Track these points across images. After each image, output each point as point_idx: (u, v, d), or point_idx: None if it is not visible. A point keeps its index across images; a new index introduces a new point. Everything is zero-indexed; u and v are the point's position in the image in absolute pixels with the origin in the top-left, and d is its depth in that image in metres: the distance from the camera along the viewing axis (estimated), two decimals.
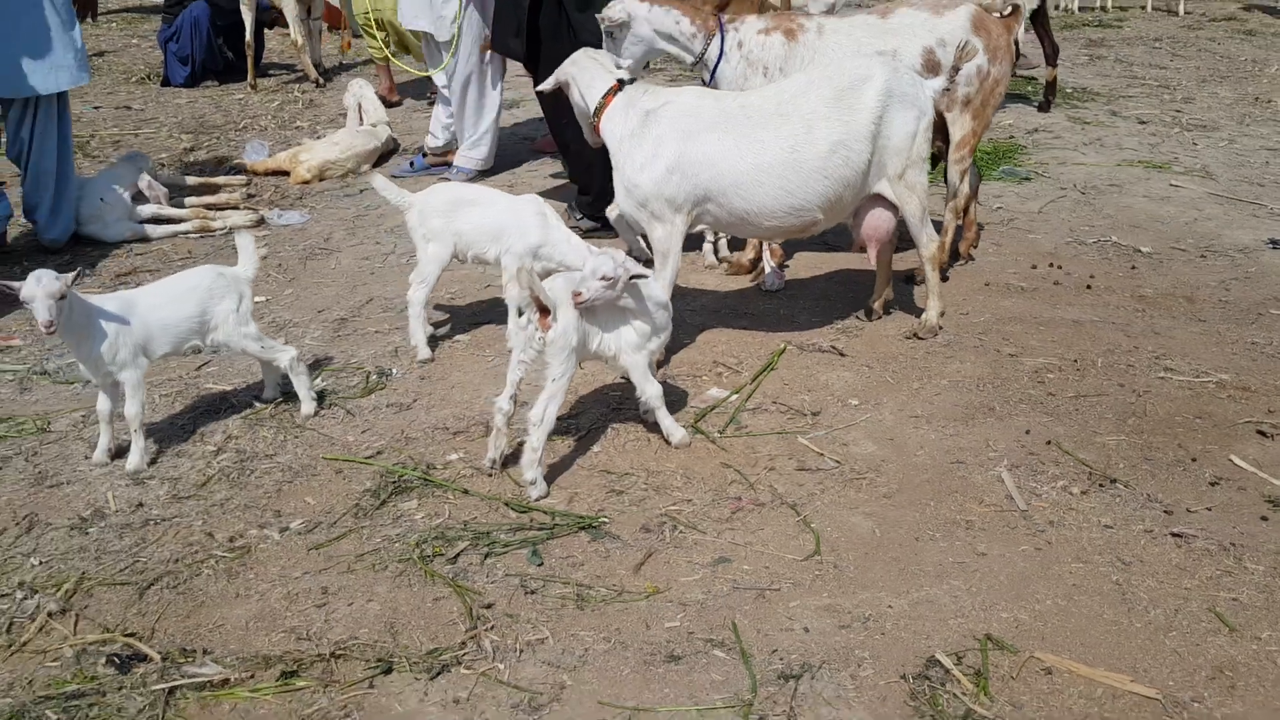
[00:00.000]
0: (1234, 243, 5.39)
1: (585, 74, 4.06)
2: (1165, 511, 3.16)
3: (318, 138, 7.56)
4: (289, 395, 3.94)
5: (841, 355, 4.18)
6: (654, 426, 3.65)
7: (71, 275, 3.35)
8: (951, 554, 2.98)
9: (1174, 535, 3.03)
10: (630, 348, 3.43)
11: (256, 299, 4.86)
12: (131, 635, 2.81)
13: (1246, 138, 7.62)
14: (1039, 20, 5.37)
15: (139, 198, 5.88)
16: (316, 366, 4.15)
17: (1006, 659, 2.58)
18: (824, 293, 4.84)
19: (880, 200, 4.03)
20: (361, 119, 7.56)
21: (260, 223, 6.08)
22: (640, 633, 2.71)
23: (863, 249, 4.16)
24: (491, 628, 2.75)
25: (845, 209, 3.95)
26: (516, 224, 4.18)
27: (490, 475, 3.48)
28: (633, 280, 3.30)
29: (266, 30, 9.94)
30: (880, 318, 4.39)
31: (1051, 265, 5.10)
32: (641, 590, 2.88)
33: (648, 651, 2.63)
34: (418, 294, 4.23)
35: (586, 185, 5.65)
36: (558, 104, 5.20)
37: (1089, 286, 4.81)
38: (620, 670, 2.58)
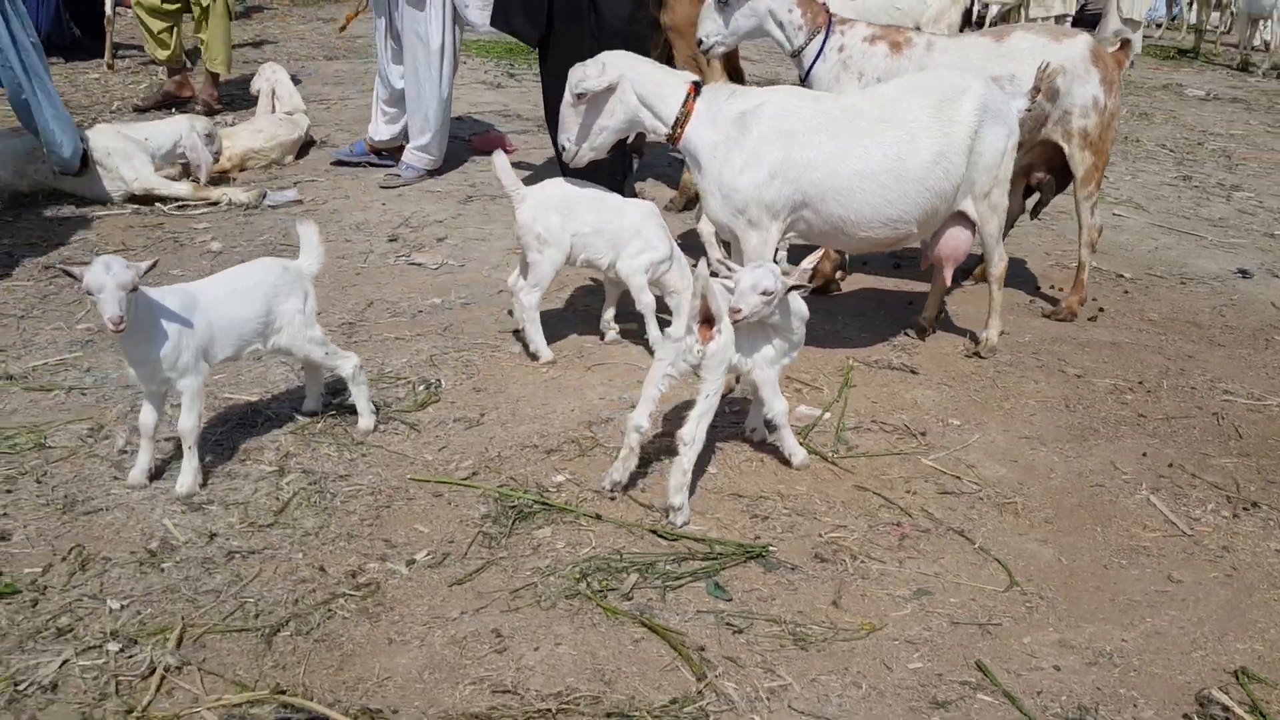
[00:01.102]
0: (1204, 271, 5.62)
1: (649, 80, 3.71)
2: None
3: (230, 124, 6.89)
4: (331, 407, 3.53)
5: (914, 373, 4.07)
6: (761, 445, 3.43)
7: (146, 265, 2.83)
8: (1146, 582, 2.89)
9: None
10: (766, 362, 3.20)
11: None
12: (283, 693, 2.36)
13: (1143, 173, 8.03)
14: None
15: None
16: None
17: (1267, 692, 2.49)
18: (859, 309, 4.73)
19: (960, 219, 3.93)
20: (275, 106, 6.93)
21: (262, 199, 5.51)
22: (884, 675, 2.49)
23: (933, 266, 4.06)
24: (720, 673, 2.45)
25: (936, 224, 3.84)
26: (640, 233, 3.87)
27: (612, 498, 3.16)
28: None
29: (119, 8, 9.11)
30: (931, 334, 4.29)
31: (1053, 288, 5.16)
32: (855, 627, 2.65)
33: (907, 697, 2.41)
34: (531, 298, 3.87)
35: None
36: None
37: (1101, 310, 4.88)
38: (889, 718, 2.34)
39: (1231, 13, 16.37)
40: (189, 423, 3.04)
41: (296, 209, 5.58)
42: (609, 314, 4.17)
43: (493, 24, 5.35)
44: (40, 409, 3.52)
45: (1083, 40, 4.31)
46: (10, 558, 2.79)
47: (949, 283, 4.16)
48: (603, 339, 4.18)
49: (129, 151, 5.43)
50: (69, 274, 2.79)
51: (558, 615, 2.64)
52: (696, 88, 3.67)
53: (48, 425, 3.41)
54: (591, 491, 3.19)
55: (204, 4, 7.17)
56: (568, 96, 3.68)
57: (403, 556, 2.85)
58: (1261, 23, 15.04)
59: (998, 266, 4.08)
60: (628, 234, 3.88)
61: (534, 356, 3.96)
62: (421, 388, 3.77)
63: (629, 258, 3.89)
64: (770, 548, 2.93)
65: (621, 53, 3.71)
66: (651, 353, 4.03)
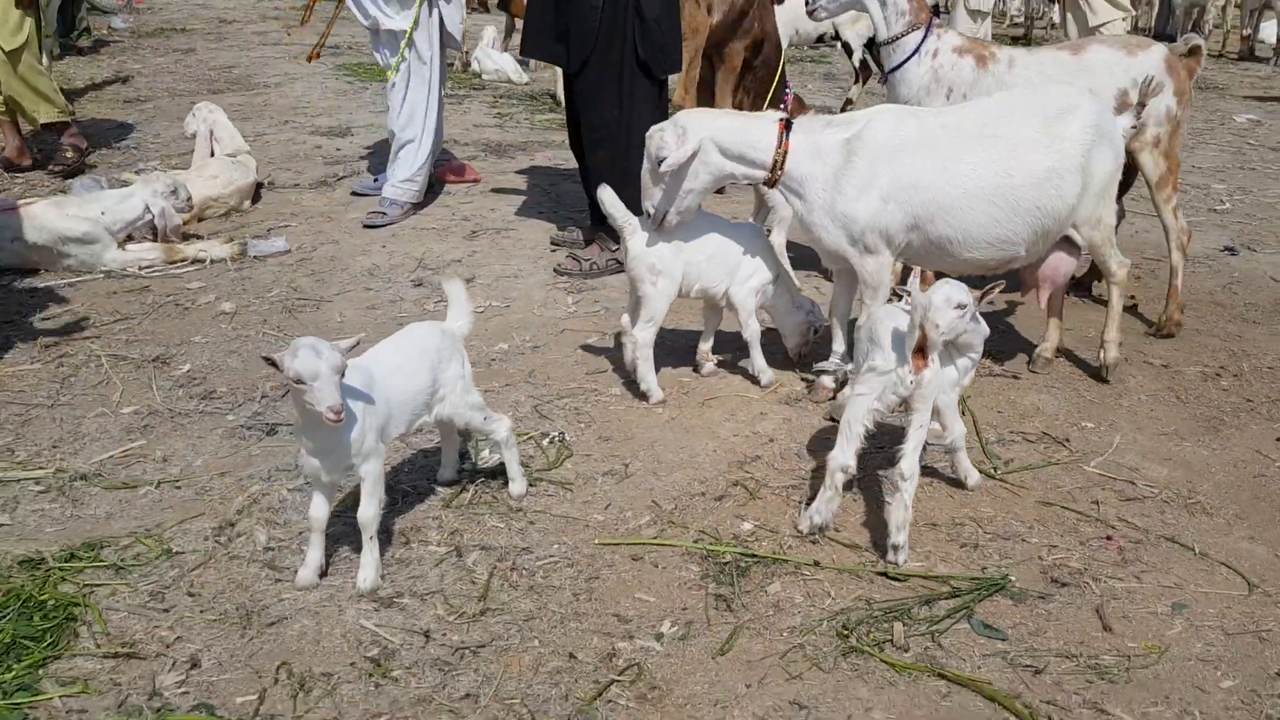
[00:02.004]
0: (1194, 252, 5.83)
1: (732, 133, 3.57)
2: None
3: (171, 168, 6.39)
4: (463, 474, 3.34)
5: (1016, 378, 4.07)
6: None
7: (349, 343, 2.56)
8: None
9: None
10: (950, 384, 3.13)
11: None
12: None
13: None
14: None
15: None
16: (466, 436, 3.42)
17: None
18: None
19: (1063, 242, 3.81)
20: (214, 149, 6.46)
21: (242, 253, 5.08)
22: (1205, 698, 2.46)
23: (1031, 290, 4.02)
24: None
25: (1045, 247, 3.71)
26: (750, 254, 3.72)
27: (814, 542, 3.04)
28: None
29: None
30: (1050, 367, 4.20)
31: (1073, 276, 5.23)
32: (1142, 652, 2.61)
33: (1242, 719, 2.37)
34: (646, 334, 3.67)
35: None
36: (605, 124, 4.72)
37: (1132, 297, 4.98)
38: None
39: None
40: (370, 511, 2.76)
41: (289, 259, 5.19)
42: (706, 345, 4.03)
43: (525, 53, 5.11)
44: (138, 510, 3.15)
45: (1158, 51, 4.26)
46: (211, 687, 2.47)
47: (1045, 306, 4.04)
48: (699, 371, 4.02)
49: (88, 235, 4.95)
50: (272, 363, 2.48)
51: (845, 677, 2.50)
52: (786, 124, 3.55)
53: (160, 529, 3.04)
54: (790, 537, 3.04)
55: None
56: (647, 164, 3.54)
57: (647, 632, 2.65)
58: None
59: (1118, 274, 3.92)
60: (739, 257, 3.74)
61: (645, 396, 3.77)
62: (546, 442, 3.53)
63: (741, 282, 3.76)
64: (1009, 577, 2.84)
65: (697, 112, 3.62)
66: (755, 382, 3.91)
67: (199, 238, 5.37)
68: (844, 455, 2.94)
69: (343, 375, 2.49)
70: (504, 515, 3.13)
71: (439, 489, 3.25)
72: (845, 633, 2.63)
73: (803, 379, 4.02)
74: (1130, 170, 4.30)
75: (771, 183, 3.56)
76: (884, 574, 2.87)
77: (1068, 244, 3.79)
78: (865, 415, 2.92)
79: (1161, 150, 4.34)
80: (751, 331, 3.84)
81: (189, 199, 5.40)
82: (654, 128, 3.56)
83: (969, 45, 4.27)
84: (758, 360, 3.89)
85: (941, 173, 3.45)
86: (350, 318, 4.54)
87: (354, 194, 6.28)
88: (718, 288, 3.74)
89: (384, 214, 5.82)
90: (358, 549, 2.83)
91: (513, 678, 2.49)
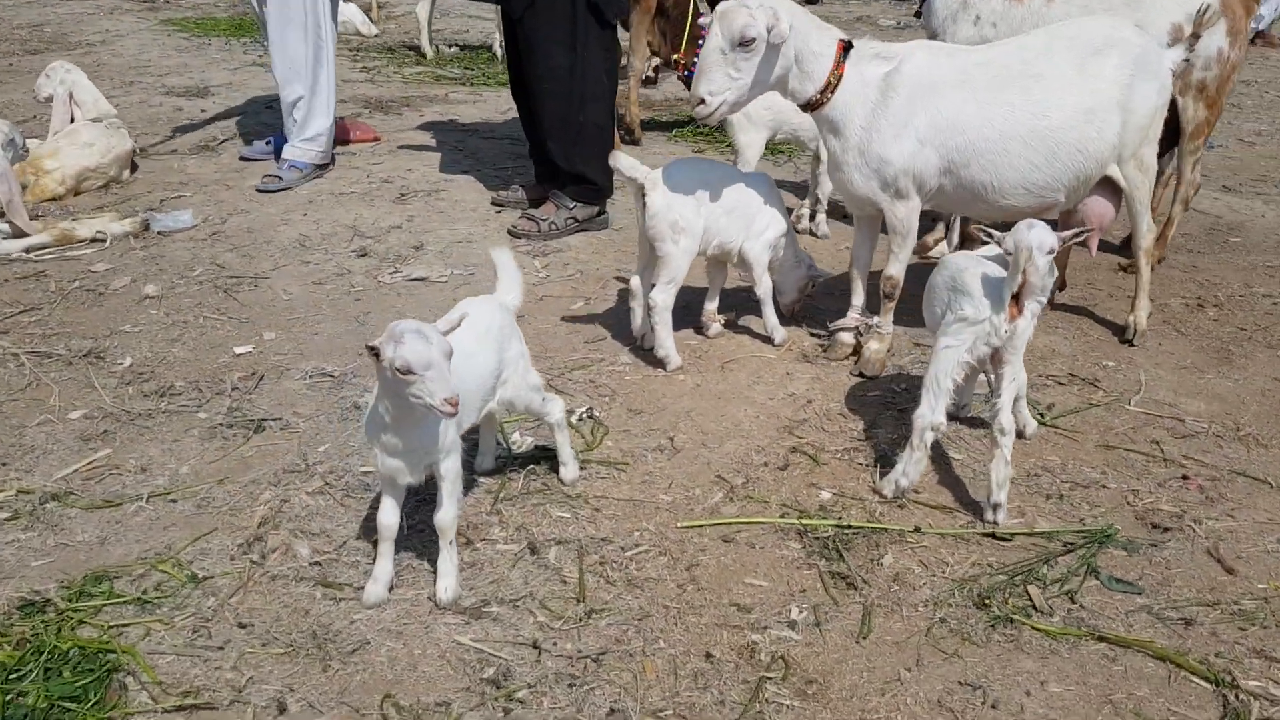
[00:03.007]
0: None
1: (807, 33, 3.28)
2: None
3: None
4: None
5: None
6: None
7: (449, 323, 2.23)
8: None
9: None
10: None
11: (239, 349, 3.62)
12: None
13: None
14: None
15: None
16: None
17: None
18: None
19: (1103, 185, 3.61)
20: (74, 114, 5.75)
21: (145, 228, 4.51)
22: None
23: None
24: (1231, 677, 2.29)
25: (1085, 191, 3.56)
26: (766, 207, 3.49)
27: (901, 506, 2.89)
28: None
29: None
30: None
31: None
32: (1273, 591, 2.58)
33: None
34: (666, 297, 3.39)
35: (580, 167, 4.77)
36: (555, 65, 4.42)
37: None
38: None
39: None
40: (452, 513, 2.44)
41: (200, 233, 4.67)
42: (712, 305, 3.81)
43: None
44: (136, 532, 2.73)
45: None
46: None
47: (1093, 252, 3.84)
48: (706, 333, 3.80)
49: None
50: (375, 353, 2.11)
51: (1004, 650, 2.36)
52: (845, 46, 3.33)
53: (172, 551, 2.64)
54: (876, 503, 2.88)
55: None
56: (719, 42, 3.19)
57: (776, 619, 2.45)
58: None
59: (1146, 238, 3.77)
60: (755, 210, 3.53)
61: (662, 363, 3.53)
62: (576, 420, 3.25)
63: (756, 236, 3.55)
64: (1114, 527, 2.76)
65: None
66: (769, 341, 3.73)
67: (74, 217, 4.73)
68: (935, 413, 2.78)
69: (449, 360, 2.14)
70: (565, 504, 2.84)
71: (480, 480, 2.93)
72: (985, 601, 2.46)
73: (811, 334, 3.85)
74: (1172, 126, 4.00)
75: (814, 106, 3.31)
76: (991, 535, 2.72)
77: (1108, 185, 3.63)
78: (955, 369, 2.77)
79: (1206, 96, 4.05)
80: (765, 288, 3.64)
81: (24, 146, 4.77)
82: (727, 5, 3.20)
83: None
84: (770, 318, 3.69)
85: (978, 115, 3.28)
86: (298, 295, 4.10)
87: (242, 159, 5.72)
88: (735, 243, 3.51)
89: (280, 178, 5.31)
90: (421, 556, 2.49)
91: (653, 686, 2.23)
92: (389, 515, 2.43)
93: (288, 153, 5.34)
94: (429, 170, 5.60)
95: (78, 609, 2.41)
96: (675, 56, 6.20)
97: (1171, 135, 4.05)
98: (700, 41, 5.93)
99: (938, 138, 3.27)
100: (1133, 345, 3.80)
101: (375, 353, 2.10)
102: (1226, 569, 2.62)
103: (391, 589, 2.50)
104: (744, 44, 3.12)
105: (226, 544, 2.67)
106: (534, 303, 4.07)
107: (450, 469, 2.41)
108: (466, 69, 8.73)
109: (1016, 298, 2.70)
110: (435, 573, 2.50)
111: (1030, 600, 2.49)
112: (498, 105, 7.40)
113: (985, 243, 2.93)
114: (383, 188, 5.30)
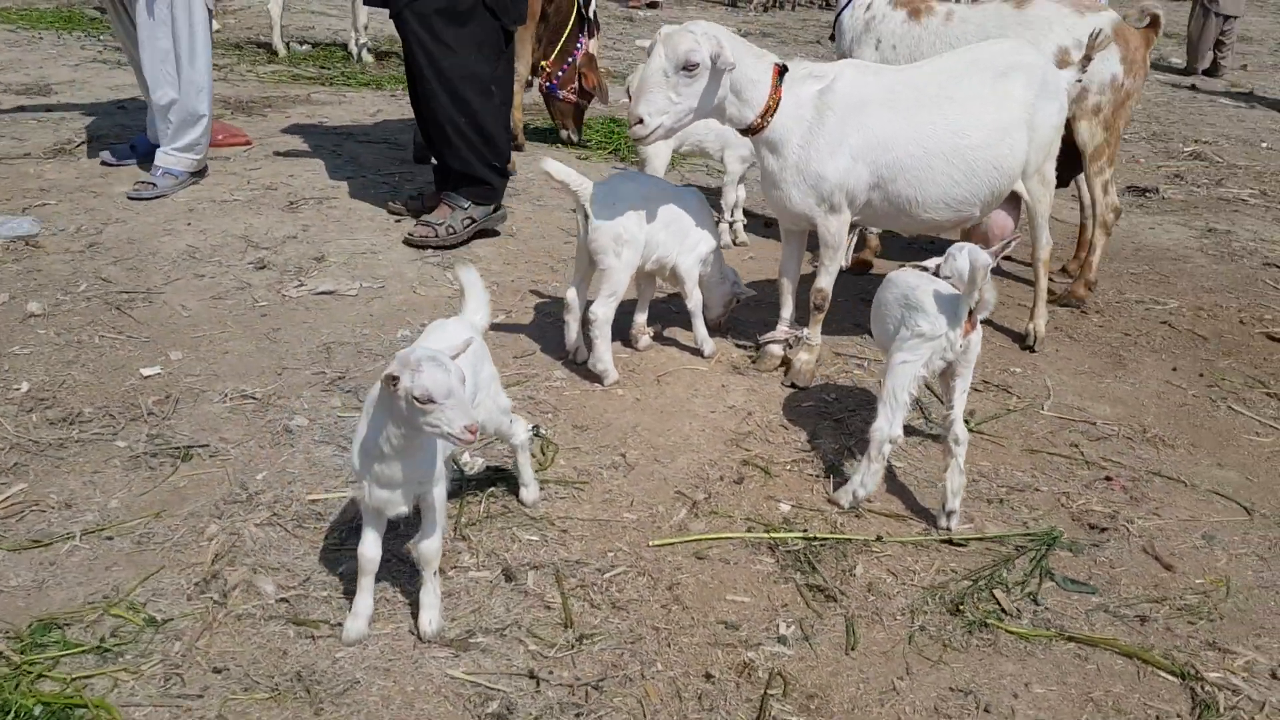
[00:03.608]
0: None
1: (744, 62, 3.31)
2: None
3: None
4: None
5: None
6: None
7: (461, 345, 2.19)
8: None
9: None
10: None
11: (147, 370, 3.47)
12: None
13: None
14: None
15: None
16: None
17: None
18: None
19: (1007, 199, 3.74)
20: None
21: None
22: None
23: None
24: (1193, 669, 2.46)
25: (997, 204, 3.70)
26: (699, 221, 3.53)
27: (858, 516, 2.99)
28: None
29: None
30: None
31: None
32: (1209, 585, 2.78)
33: None
34: (606, 310, 3.38)
35: (472, 167, 4.62)
36: (460, 70, 4.36)
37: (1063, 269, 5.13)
38: None
39: None
40: (437, 543, 2.40)
41: (76, 243, 4.40)
42: (641, 318, 3.82)
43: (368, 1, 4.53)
44: (74, 573, 2.57)
45: (1107, 15, 4.07)
46: None
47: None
48: (635, 346, 3.82)
49: None
50: (393, 382, 2.04)
51: (985, 655, 2.47)
52: (780, 70, 3.40)
53: (121, 593, 2.50)
54: (835, 513, 2.96)
55: None
56: (662, 64, 3.19)
57: (766, 635, 2.49)
58: None
59: (1045, 250, 3.94)
60: (690, 225, 3.57)
61: (600, 378, 3.53)
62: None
63: (689, 250, 3.59)
64: (1057, 529, 2.92)
65: (712, 24, 3.32)
66: (698, 353, 3.78)
67: None
68: (893, 426, 2.87)
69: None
70: (531, 526, 2.81)
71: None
72: (958, 607, 2.56)
73: (737, 346, 3.91)
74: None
75: (753, 130, 3.36)
76: (949, 541, 2.83)
77: (1008, 201, 3.83)
78: (912, 383, 2.86)
79: (1101, 120, 4.19)
80: (695, 301, 3.67)
81: None
82: (674, 28, 3.20)
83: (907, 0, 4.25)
84: (700, 330, 3.73)
85: (903, 132, 3.39)
86: (198, 310, 3.90)
87: (104, 164, 5.39)
88: (671, 258, 3.53)
89: (154, 185, 5.05)
90: (394, 588, 2.45)
91: (659, 710, 2.24)
92: (372, 548, 2.35)
93: (161, 159, 5.06)
94: (313, 176, 5.40)
95: (33, 661, 2.23)
96: (543, 64, 6.17)
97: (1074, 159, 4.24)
98: (571, 58, 5.96)
99: (869, 154, 3.36)
100: (1034, 351, 3.99)
101: (393, 382, 2.02)
102: (1165, 566, 2.79)
103: (370, 624, 2.41)
104: (687, 68, 3.15)
105: (180, 583, 2.53)
106: (451, 315, 3.97)
107: (439, 497, 2.35)
108: (323, 68, 8.46)
109: (969, 314, 2.81)
110: (416, 604, 2.43)
111: (999, 604, 2.60)
112: (364, 106, 7.21)
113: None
114: (268, 195, 5.09)
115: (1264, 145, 8.48)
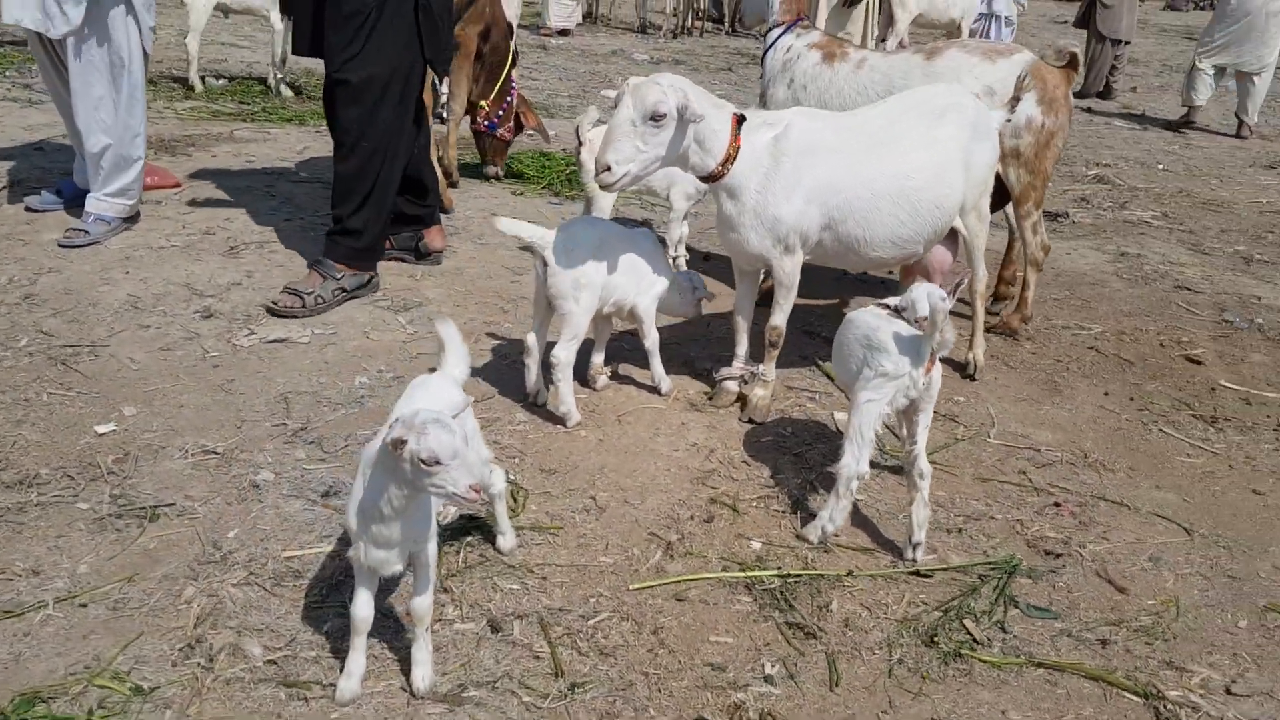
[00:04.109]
0: None
1: (705, 111, 3.36)
2: None
3: None
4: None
5: None
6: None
7: (461, 405, 2.24)
8: (1245, 495, 3.49)
9: None
10: None
11: (101, 428, 3.45)
12: None
13: None
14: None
15: None
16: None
17: None
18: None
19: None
20: None
21: None
22: (1236, 640, 2.80)
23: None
24: (1156, 690, 2.61)
25: (938, 240, 3.84)
26: (653, 262, 3.61)
27: (827, 551, 3.09)
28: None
29: None
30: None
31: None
32: (1164, 606, 2.93)
33: None
34: (568, 353, 3.44)
35: (359, 226, 4.47)
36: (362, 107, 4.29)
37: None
38: None
39: None
40: (429, 599, 2.42)
41: (12, 295, 4.30)
42: (599, 358, 3.88)
43: (296, 52, 4.50)
44: (52, 643, 2.54)
45: (1019, 59, 4.16)
46: None
47: None
48: (593, 386, 3.88)
49: None
50: (400, 445, 2.07)
51: (961, 684, 2.57)
52: (739, 120, 3.51)
53: (102, 662, 2.48)
54: (806, 550, 3.06)
55: None
56: (630, 114, 3.27)
57: (752, 675, 2.57)
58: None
59: (981, 282, 4.09)
60: (645, 266, 3.65)
61: (562, 420, 3.59)
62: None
63: (646, 291, 3.67)
64: (1015, 556, 3.05)
65: (678, 76, 3.41)
66: (655, 391, 3.86)
67: None
68: (859, 464, 2.97)
69: None
70: (510, 574, 2.85)
71: None
72: (933, 639, 2.67)
73: (693, 381, 3.99)
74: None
75: (714, 178, 3.45)
76: (916, 573, 2.94)
77: (947, 237, 3.99)
78: (877, 420, 2.97)
79: (1023, 163, 4.28)
80: (652, 340, 3.75)
81: None
82: (641, 80, 3.27)
83: (825, 43, 4.40)
84: (657, 369, 3.81)
85: (852, 175, 3.52)
86: (147, 363, 3.85)
87: (29, 210, 5.27)
88: (629, 300, 3.60)
89: (87, 232, 4.95)
90: (380, 645, 2.48)
91: None
92: (364, 608, 2.36)
93: (93, 205, 4.96)
94: (249, 220, 5.35)
95: None
96: (482, 103, 6.21)
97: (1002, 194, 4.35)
98: (509, 98, 6.02)
99: (820, 196, 3.48)
100: (975, 380, 4.15)
101: (399, 445, 2.04)
102: (1119, 589, 2.94)
103: (363, 683, 2.42)
104: (654, 119, 3.23)
105: (162, 648, 2.51)
106: (408, 361, 4.00)
107: (431, 553, 2.38)
108: (242, 103, 8.36)
109: (932, 351, 2.93)
110: (406, 661, 2.45)
111: (970, 634, 2.71)
112: (290, 143, 7.15)
113: None
114: (206, 240, 5.03)
115: (1160, 167, 8.87)
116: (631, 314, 3.69)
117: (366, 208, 4.39)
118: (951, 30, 10.77)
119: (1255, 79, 10.38)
